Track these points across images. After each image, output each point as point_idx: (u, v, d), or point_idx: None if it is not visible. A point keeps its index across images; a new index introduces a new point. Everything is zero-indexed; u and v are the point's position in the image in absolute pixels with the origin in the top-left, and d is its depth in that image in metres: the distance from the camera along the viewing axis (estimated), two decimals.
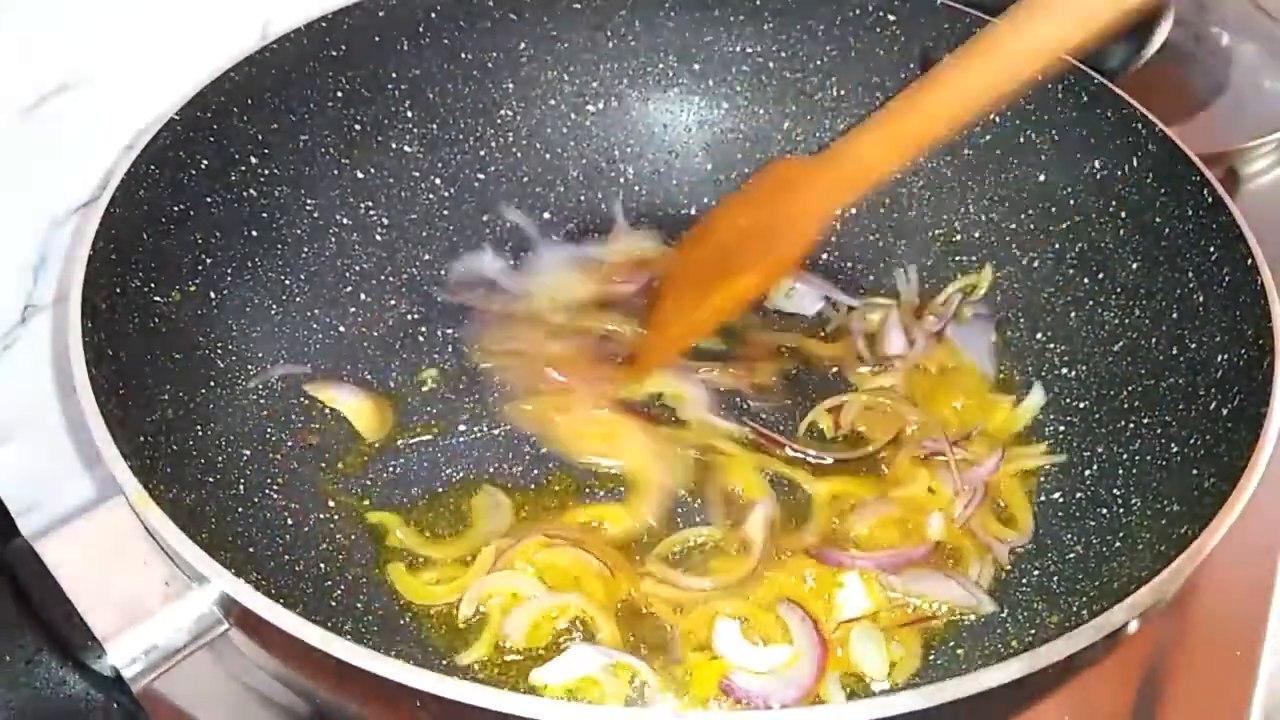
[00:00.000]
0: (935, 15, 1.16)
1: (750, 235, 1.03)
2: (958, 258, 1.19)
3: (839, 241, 1.24)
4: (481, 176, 1.23)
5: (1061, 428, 1.05)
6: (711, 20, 1.23)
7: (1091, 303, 1.07)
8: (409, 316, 1.15)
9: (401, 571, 0.95)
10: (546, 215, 1.26)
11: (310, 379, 1.07)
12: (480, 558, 0.94)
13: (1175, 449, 0.92)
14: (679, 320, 1.07)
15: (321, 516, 0.98)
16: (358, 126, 1.15)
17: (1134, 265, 1.04)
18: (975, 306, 1.16)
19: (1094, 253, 1.08)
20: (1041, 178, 1.13)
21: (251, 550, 0.89)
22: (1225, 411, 0.87)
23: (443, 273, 1.20)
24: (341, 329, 1.11)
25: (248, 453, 0.97)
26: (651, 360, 1.08)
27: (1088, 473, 0.99)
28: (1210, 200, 0.96)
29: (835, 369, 1.13)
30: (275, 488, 0.97)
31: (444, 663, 0.90)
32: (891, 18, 1.18)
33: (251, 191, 1.06)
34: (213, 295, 1.00)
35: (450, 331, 1.14)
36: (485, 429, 1.06)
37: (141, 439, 0.82)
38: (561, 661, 0.87)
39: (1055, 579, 0.94)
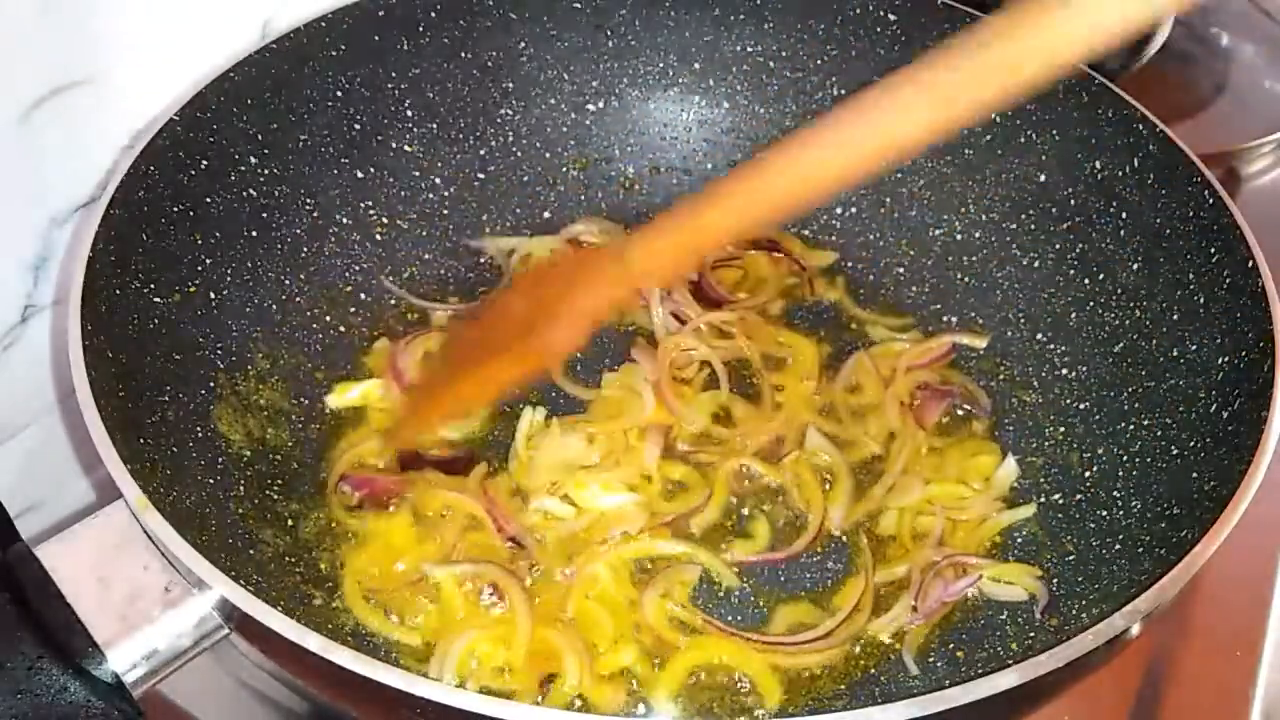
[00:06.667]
0: (935, 15, 1.16)
1: (520, 321, 0.90)
2: (959, 257, 1.19)
3: (840, 243, 1.24)
4: (481, 176, 1.23)
5: (1061, 429, 1.05)
6: (712, 19, 1.23)
7: (1092, 304, 1.07)
8: (408, 316, 1.15)
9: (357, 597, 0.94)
10: (546, 214, 1.26)
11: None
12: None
13: (1175, 451, 0.92)
14: (436, 393, 0.97)
15: (322, 517, 0.98)
16: (357, 126, 1.14)
17: (1134, 266, 1.03)
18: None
19: (1094, 253, 1.07)
20: (1041, 178, 1.13)
21: (252, 553, 0.89)
22: (1226, 414, 0.87)
23: (442, 271, 1.20)
24: (341, 329, 1.11)
25: (248, 453, 0.97)
26: (405, 429, 1.02)
27: (1087, 474, 1.00)
28: (1210, 201, 0.96)
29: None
30: (275, 488, 0.97)
31: None
32: (892, 17, 1.18)
33: (251, 191, 1.06)
34: (213, 295, 1.00)
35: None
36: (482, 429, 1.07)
37: (141, 441, 0.82)
38: None
39: (1054, 581, 0.94)
